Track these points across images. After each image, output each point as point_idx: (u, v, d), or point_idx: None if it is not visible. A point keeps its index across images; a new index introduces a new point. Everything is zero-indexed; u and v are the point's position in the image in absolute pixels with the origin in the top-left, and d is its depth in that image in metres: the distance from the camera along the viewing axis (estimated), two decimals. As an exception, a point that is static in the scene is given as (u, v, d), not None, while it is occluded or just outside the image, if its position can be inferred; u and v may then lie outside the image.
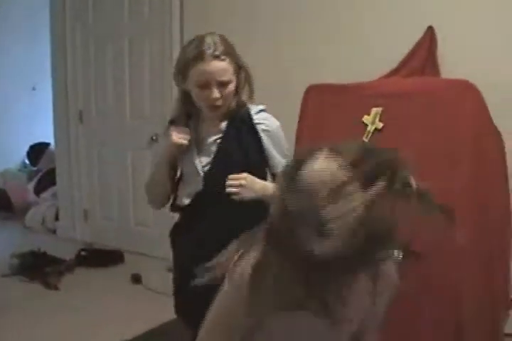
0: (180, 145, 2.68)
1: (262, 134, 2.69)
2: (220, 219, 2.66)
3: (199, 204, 2.71)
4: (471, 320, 3.65)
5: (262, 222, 1.98)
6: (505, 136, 3.72)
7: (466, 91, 3.63)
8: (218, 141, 2.69)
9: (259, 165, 2.71)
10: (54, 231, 6.68)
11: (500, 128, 3.70)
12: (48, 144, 7.74)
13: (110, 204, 6.15)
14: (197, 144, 2.73)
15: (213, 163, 2.69)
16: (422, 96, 3.69)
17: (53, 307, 4.60)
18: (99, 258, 5.64)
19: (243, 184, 2.50)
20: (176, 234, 2.90)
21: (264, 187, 2.54)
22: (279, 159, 2.71)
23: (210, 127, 2.72)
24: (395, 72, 4.20)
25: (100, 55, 5.93)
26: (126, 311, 4.52)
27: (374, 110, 3.78)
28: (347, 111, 3.92)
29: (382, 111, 3.76)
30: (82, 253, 5.68)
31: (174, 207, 2.85)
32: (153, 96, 5.48)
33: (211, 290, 2.29)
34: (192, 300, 2.79)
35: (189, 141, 2.67)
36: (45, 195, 7.15)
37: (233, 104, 2.69)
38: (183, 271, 2.88)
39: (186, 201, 2.75)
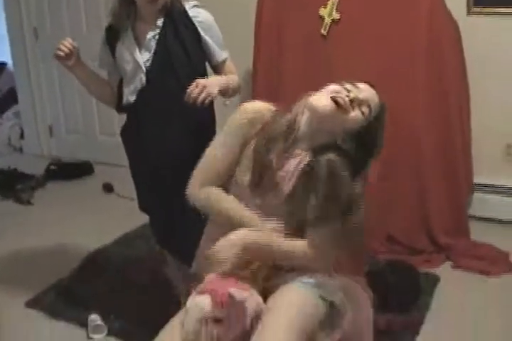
0: (59, 57, 2.76)
1: (198, 26, 2.77)
2: (165, 116, 2.77)
3: (144, 101, 2.80)
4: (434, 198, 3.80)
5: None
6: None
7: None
8: (156, 36, 2.76)
9: (198, 57, 2.81)
10: (20, 150, 6.64)
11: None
12: (5, 64, 7.59)
13: (74, 117, 6.11)
14: (137, 42, 2.79)
15: (154, 58, 2.77)
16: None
17: (29, 222, 4.67)
18: (69, 171, 5.67)
19: (203, 84, 2.57)
20: (126, 136, 3.01)
21: (213, 79, 2.69)
22: (217, 48, 2.82)
23: (148, 24, 2.78)
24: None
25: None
26: (101, 219, 4.61)
27: (330, 1, 3.78)
28: (303, 5, 3.92)
29: (339, 1, 3.76)
30: (52, 167, 5.70)
31: (120, 108, 2.95)
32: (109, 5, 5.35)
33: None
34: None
35: (69, 49, 2.74)
36: (8, 114, 7.06)
37: (169, 1, 2.75)
38: (139, 183, 3.01)
39: (131, 98, 2.84)
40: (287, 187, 2.11)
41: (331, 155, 2.05)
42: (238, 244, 2.02)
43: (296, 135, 2.14)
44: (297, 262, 2.12)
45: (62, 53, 2.75)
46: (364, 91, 2.11)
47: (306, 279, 2.10)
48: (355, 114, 2.07)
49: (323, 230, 2.06)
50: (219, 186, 2.23)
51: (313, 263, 2.10)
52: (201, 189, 2.24)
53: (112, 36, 2.85)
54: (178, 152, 2.78)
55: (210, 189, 2.23)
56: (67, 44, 2.75)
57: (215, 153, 2.24)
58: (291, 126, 2.15)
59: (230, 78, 2.81)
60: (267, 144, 2.15)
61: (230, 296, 1.83)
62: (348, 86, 2.10)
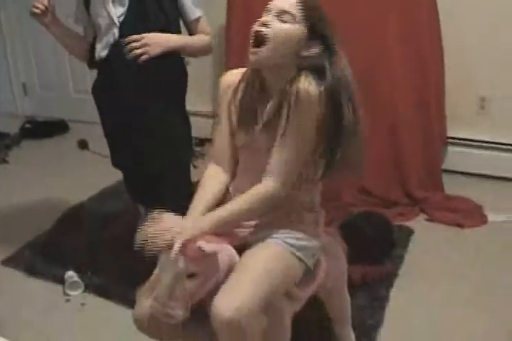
0: (35, 14, 2.74)
1: None
2: (136, 71, 2.74)
3: (115, 55, 2.76)
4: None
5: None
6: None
7: None
8: None
9: (172, 13, 2.77)
10: (-6, 108, 6.58)
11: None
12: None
13: (48, 75, 6.04)
14: None
15: (128, 12, 2.74)
16: None
17: (4, 180, 4.65)
18: (43, 129, 5.65)
19: (145, 42, 2.61)
20: (97, 92, 2.99)
21: (168, 38, 2.69)
22: (190, 5, 2.79)
23: None
24: None
25: None
26: (77, 176, 4.61)
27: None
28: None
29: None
30: (27, 125, 5.67)
31: (92, 63, 2.93)
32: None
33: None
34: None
35: (45, 6, 2.72)
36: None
37: None
38: (112, 140, 3.01)
39: (103, 53, 2.81)
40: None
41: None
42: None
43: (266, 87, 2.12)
44: (265, 208, 2.08)
45: (38, 10, 2.72)
46: (277, 3, 2.03)
47: (288, 239, 2.11)
48: (274, 26, 1.99)
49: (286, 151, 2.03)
50: (231, 155, 2.23)
51: (277, 196, 2.05)
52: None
53: None
54: (150, 106, 2.78)
55: (206, 171, 2.25)
56: (43, 1, 2.71)
57: (218, 130, 2.24)
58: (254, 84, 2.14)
59: (197, 38, 2.82)
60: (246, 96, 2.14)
61: (200, 250, 1.83)
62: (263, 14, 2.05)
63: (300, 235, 2.14)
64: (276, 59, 2.01)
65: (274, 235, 2.10)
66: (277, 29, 1.98)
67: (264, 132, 2.07)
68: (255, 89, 2.12)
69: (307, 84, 1.96)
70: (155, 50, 2.64)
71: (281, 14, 1.98)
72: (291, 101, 1.97)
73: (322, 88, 1.95)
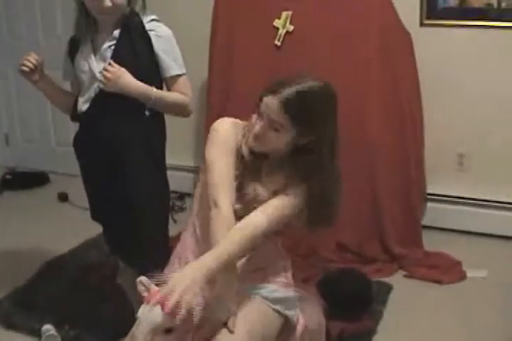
0: (24, 72, 2.78)
1: (153, 39, 2.77)
2: (115, 124, 2.77)
3: (95, 109, 2.80)
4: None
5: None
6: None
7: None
8: (112, 47, 2.77)
9: (150, 69, 2.79)
10: (-25, 159, 6.57)
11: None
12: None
13: (30, 126, 6.05)
14: (94, 52, 2.80)
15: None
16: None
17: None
18: (24, 180, 5.64)
19: (109, 76, 2.63)
20: (77, 144, 3.00)
21: (129, 83, 2.68)
22: (170, 63, 2.80)
23: (106, 35, 2.79)
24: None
25: None
26: (57, 228, 4.59)
27: (284, 14, 3.83)
28: (258, 16, 3.96)
29: (292, 14, 3.82)
30: (7, 176, 5.66)
31: (74, 116, 2.95)
32: (65, 14, 5.33)
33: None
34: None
35: (34, 64, 2.76)
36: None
37: (126, 12, 2.76)
38: (91, 193, 3.02)
39: (84, 107, 2.84)
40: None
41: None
42: (200, 281, 1.88)
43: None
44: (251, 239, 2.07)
45: (26, 68, 2.76)
46: (267, 112, 2.09)
47: (265, 293, 2.13)
48: (269, 139, 2.10)
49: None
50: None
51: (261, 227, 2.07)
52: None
53: (74, 48, 2.87)
54: (127, 162, 2.79)
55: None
56: (31, 59, 2.76)
57: (220, 166, 2.18)
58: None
59: (170, 94, 2.83)
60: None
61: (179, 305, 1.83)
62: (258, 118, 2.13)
63: (275, 286, 2.18)
64: (274, 153, 2.17)
65: (251, 291, 2.12)
66: (272, 140, 2.10)
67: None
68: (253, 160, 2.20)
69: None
70: (111, 87, 2.66)
71: (272, 123, 2.07)
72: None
73: None
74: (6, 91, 6.05)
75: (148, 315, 1.86)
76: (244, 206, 2.16)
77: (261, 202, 2.12)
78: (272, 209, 2.08)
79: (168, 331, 1.86)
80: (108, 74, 2.63)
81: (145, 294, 1.91)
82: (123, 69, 2.66)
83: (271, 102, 2.07)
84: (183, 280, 1.80)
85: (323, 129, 2.11)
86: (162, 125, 2.94)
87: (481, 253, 4.06)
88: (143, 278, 1.95)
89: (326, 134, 2.12)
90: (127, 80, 2.68)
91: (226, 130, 2.23)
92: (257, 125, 2.10)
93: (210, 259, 1.90)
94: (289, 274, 2.32)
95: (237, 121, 2.28)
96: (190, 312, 1.84)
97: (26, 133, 6.14)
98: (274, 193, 2.14)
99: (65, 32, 5.28)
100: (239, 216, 2.11)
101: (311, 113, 2.08)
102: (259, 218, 2.06)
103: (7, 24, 5.84)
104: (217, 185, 2.12)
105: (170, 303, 1.78)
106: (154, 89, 2.74)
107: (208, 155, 2.19)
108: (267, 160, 2.19)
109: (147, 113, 2.78)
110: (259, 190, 2.16)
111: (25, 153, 6.13)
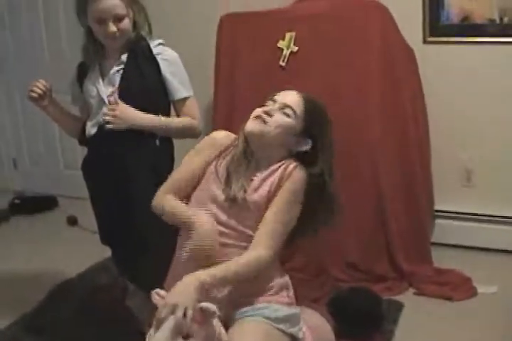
0: (33, 98, 2.85)
1: (161, 63, 2.83)
2: (123, 149, 2.81)
3: (103, 133, 2.83)
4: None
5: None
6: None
7: (375, 10, 3.75)
8: (120, 71, 2.82)
9: (158, 93, 2.85)
10: (-16, 183, 6.59)
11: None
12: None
13: (38, 150, 6.09)
14: (102, 77, 2.85)
15: (118, 91, 2.81)
16: (331, 17, 3.79)
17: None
18: (33, 205, 5.64)
19: (115, 114, 2.71)
20: (85, 168, 3.03)
21: (135, 117, 2.75)
22: (177, 85, 2.86)
23: (113, 60, 2.84)
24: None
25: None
26: (66, 252, 4.59)
27: (288, 35, 3.86)
28: (262, 38, 3.99)
29: (296, 34, 3.84)
30: (16, 201, 5.67)
31: (82, 140, 2.99)
32: (73, 39, 5.35)
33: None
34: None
35: (42, 90, 2.83)
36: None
37: (132, 37, 2.82)
38: (100, 216, 3.04)
39: (92, 131, 2.87)
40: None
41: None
42: (194, 292, 1.98)
43: (254, 159, 2.25)
44: (255, 273, 2.15)
45: (35, 95, 2.81)
46: (283, 97, 2.25)
47: (267, 313, 2.14)
48: (275, 118, 2.19)
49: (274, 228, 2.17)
50: (181, 197, 2.35)
51: (267, 263, 2.16)
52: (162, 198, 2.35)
53: (82, 73, 2.91)
54: (135, 186, 2.81)
55: (166, 196, 2.36)
56: (40, 85, 2.81)
57: (180, 169, 2.40)
58: (246, 154, 2.26)
59: (178, 120, 2.89)
60: (232, 166, 2.26)
61: (202, 310, 1.84)
62: (267, 103, 2.26)
63: (276, 306, 2.18)
64: (271, 141, 2.20)
65: (254, 312, 2.13)
66: (278, 119, 2.12)
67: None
68: (246, 158, 2.25)
69: (297, 170, 2.19)
70: (119, 125, 2.73)
71: (284, 108, 2.14)
72: (281, 180, 2.17)
73: (308, 173, 2.20)
74: (13, 115, 6.09)
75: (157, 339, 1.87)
76: (234, 214, 2.22)
77: (250, 212, 2.19)
78: (271, 240, 2.16)
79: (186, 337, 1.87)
80: (111, 113, 2.70)
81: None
82: (122, 104, 2.72)
83: (291, 93, 2.25)
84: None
85: (321, 139, 2.24)
86: (171, 150, 2.97)
87: (490, 268, 4.04)
88: (159, 290, 1.98)
89: (324, 148, 2.24)
90: (132, 112, 2.74)
91: (213, 138, 2.40)
92: (260, 108, 2.24)
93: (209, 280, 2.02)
94: (291, 292, 2.32)
95: (233, 135, 2.38)
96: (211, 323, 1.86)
97: (34, 157, 6.18)
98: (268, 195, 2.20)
99: (71, 56, 5.32)
100: (230, 227, 2.21)
101: (321, 119, 2.26)
102: (264, 255, 2.15)
103: (14, 47, 5.88)
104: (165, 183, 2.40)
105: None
106: (162, 118, 2.78)
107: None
108: (256, 159, 2.25)
109: (157, 142, 2.84)
110: (245, 187, 2.22)
111: (34, 177, 6.17)
